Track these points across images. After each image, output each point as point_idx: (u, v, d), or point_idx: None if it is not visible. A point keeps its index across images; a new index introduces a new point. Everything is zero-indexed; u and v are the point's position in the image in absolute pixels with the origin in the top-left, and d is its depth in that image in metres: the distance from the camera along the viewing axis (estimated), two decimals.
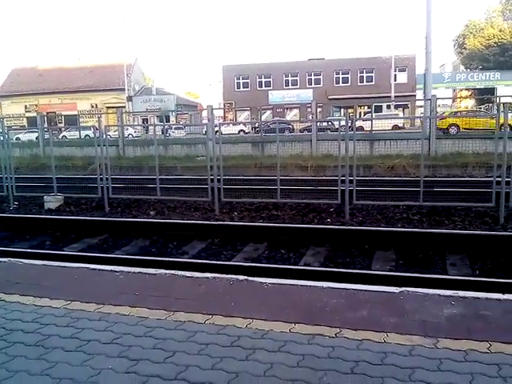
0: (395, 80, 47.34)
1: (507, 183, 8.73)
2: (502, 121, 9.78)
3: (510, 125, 9.55)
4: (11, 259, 5.40)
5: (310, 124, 28.80)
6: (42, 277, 4.76)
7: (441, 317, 3.47)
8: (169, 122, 43.03)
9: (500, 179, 8.69)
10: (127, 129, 36.45)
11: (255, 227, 8.21)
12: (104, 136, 12.10)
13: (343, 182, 9.41)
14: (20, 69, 57.92)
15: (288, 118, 50.21)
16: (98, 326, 3.55)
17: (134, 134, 37.04)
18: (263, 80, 53.72)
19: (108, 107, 51.57)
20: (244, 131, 38.53)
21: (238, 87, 54.27)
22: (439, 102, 22.88)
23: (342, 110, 47.52)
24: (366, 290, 4.06)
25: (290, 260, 6.83)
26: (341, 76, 52.02)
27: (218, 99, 58.64)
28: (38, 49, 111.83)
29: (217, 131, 13.13)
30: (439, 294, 3.85)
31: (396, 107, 45.72)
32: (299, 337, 3.31)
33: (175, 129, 37.20)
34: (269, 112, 51.16)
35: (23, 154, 24.11)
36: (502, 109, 12.38)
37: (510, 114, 9.92)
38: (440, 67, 65.75)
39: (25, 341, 3.37)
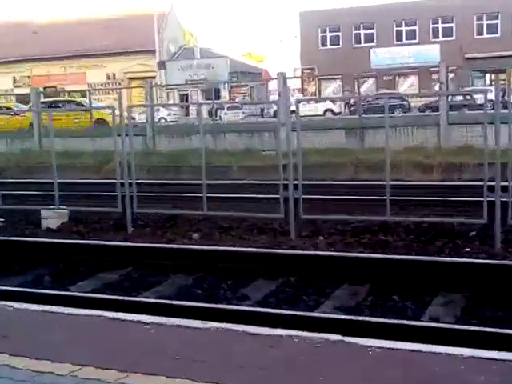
0: None
1: (504, 188, 8.97)
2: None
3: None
4: None
5: (435, 99, 28.28)
6: (40, 328, 4.96)
7: None
8: (219, 98, 43.84)
9: (494, 183, 8.92)
10: (159, 110, 37.46)
11: (352, 260, 8.19)
12: (126, 121, 12.48)
13: (491, 189, 9.19)
14: (6, 24, 60.76)
15: (401, 89, 49.70)
16: None
17: (169, 118, 38.08)
18: (362, 32, 53.70)
19: (131, 78, 53.46)
20: (333, 111, 38.58)
21: (324, 44, 54.53)
22: None
23: (488, 75, 46.34)
24: None
25: (406, 312, 6.75)
26: (485, 22, 50.84)
27: (292, 63, 59.04)
28: None
29: (293, 111, 13.15)
30: None
31: None
32: None
33: (229, 109, 37.86)
34: (371, 81, 50.90)
35: (11, 148, 25.33)
36: None
37: None
38: None
39: None
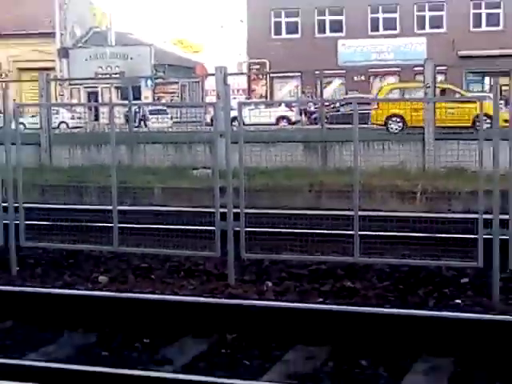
0: None
1: (503, 223, 9.29)
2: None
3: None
4: None
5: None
6: None
7: None
8: (140, 98, 43.82)
9: (491, 216, 9.19)
10: (58, 112, 37.24)
11: (308, 312, 8.21)
12: (13, 125, 12.38)
13: (488, 224, 9.39)
14: None
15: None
16: None
17: (72, 123, 37.85)
18: (327, 18, 54.48)
19: (21, 69, 52.97)
20: (289, 119, 38.90)
21: (278, 32, 55.21)
22: None
23: (486, 78, 47.53)
24: None
25: (378, 382, 6.79)
26: (484, 11, 52.23)
27: (236, 55, 59.45)
28: None
29: (235, 118, 13.19)
30: None
31: None
32: None
33: (152, 113, 37.83)
34: (338, 82, 51.64)
35: None
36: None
37: None
38: None
39: None
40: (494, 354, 7.20)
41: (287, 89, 53.66)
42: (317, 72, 39.78)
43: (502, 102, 11.90)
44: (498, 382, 6.64)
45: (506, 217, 9.46)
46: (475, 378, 6.78)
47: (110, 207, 11.11)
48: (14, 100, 28.88)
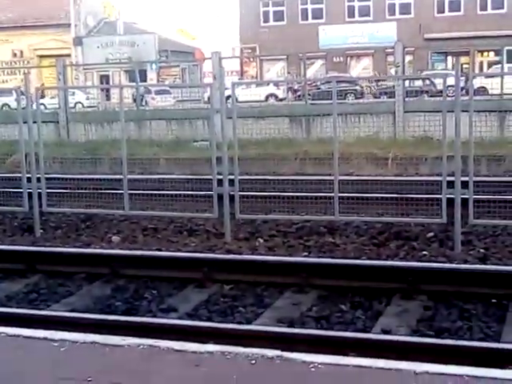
0: None
1: (463, 184, 9.28)
2: None
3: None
4: None
5: (391, 84, 28.72)
6: None
7: None
8: (146, 81, 43.56)
9: (454, 178, 9.24)
10: (74, 93, 37.03)
11: (295, 265, 8.23)
12: (34, 106, 12.30)
13: (451, 185, 9.40)
14: None
15: (353, 73, 50.26)
16: None
17: (87, 103, 37.61)
18: (309, 7, 54.02)
19: (41, 56, 52.52)
20: (276, 96, 38.70)
21: (266, 20, 54.73)
22: None
23: (450, 58, 47.33)
24: (492, 378, 4.00)
25: (356, 323, 6.82)
26: None
27: (230, 42, 59.07)
28: None
29: (229, 97, 13.14)
30: None
31: None
32: None
33: (157, 93, 37.62)
34: (320, 63, 51.34)
35: None
36: None
37: None
38: None
39: None
40: (456, 299, 7.25)
41: (275, 70, 53.28)
42: (300, 55, 39.64)
43: (462, 78, 11.83)
44: (459, 321, 6.68)
45: (467, 178, 9.47)
46: (440, 318, 6.82)
47: (121, 176, 11.07)
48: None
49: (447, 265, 8.45)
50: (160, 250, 9.83)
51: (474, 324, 6.60)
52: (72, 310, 7.39)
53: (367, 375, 4.16)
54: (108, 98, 37.06)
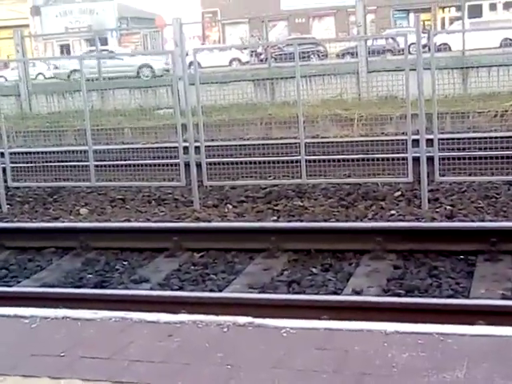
0: None
1: (429, 142, 9.53)
2: None
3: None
4: None
5: (354, 44, 28.67)
6: None
7: None
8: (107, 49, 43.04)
9: (419, 137, 9.38)
10: (34, 64, 36.49)
11: (265, 230, 8.27)
12: None
13: (416, 143, 9.46)
14: None
15: (316, 34, 50.04)
16: None
17: (48, 74, 37.08)
18: None
19: None
20: (240, 60, 38.51)
21: None
22: None
23: (412, 15, 47.28)
24: (461, 335, 4.07)
25: (327, 286, 6.88)
26: None
27: (191, 7, 58.42)
28: None
29: (191, 63, 13.04)
30: None
31: (507, 7, 45.43)
32: None
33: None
34: (282, 25, 51.02)
35: None
36: None
37: None
38: None
39: None
40: (425, 256, 7.35)
41: (237, 34, 52.89)
42: (262, 17, 39.38)
43: (424, 35, 11.82)
44: (428, 279, 6.77)
45: (431, 136, 9.54)
46: (410, 277, 6.90)
47: (86, 148, 11.01)
48: None
49: (415, 223, 8.59)
50: (129, 220, 9.84)
51: (443, 281, 6.69)
52: (43, 285, 7.37)
53: (338, 337, 4.20)
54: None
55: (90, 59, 24.32)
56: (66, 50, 50.06)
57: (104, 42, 43.30)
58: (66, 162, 12.80)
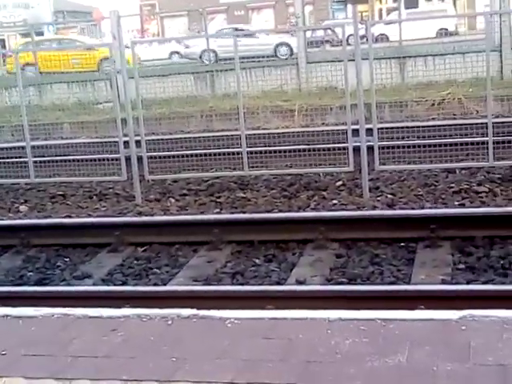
0: None
1: (369, 131, 9.58)
2: None
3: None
4: None
5: (292, 38, 28.80)
6: None
7: None
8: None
9: (359, 127, 9.54)
10: None
11: (208, 223, 8.27)
12: None
13: (356, 133, 9.58)
14: None
15: (255, 26, 50.05)
16: None
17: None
18: None
19: None
20: (179, 53, 38.31)
21: None
22: None
23: (349, 6, 47.64)
24: (402, 320, 4.14)
25: (270, 276, 6.92)
26: None
27: (129, 0, 57.95)
28: None
29: None
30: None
31: None
32: None
33: None
34: (221, 17, 50.96)
35: None
36: None
37: None
38: None
39: None
40: (366, 245, 7.44)
41: (176, 26, 52.65)
42: (201, 10, 39.26)
43: (362, 26, 11.94)
44: (370, 266, 6.86)
45: (371, 126, 9.65)
46: (352, 265, 6.99)
47: (23, 143, 10.86)
48: None
49: (357, 212, 8.70)
50: (70, 216, 9.73)
51: (385, 268, 6.79)
52: None
53: (283, 326, 4.24)
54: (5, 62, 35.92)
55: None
56: (0, 44, 49.17)
57: (40, 36, 42.69)
58: (4, 158, 12.61)
